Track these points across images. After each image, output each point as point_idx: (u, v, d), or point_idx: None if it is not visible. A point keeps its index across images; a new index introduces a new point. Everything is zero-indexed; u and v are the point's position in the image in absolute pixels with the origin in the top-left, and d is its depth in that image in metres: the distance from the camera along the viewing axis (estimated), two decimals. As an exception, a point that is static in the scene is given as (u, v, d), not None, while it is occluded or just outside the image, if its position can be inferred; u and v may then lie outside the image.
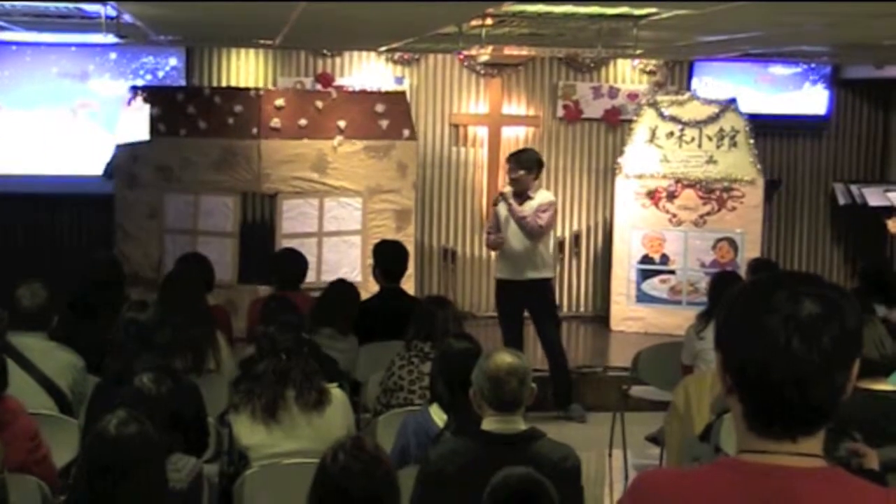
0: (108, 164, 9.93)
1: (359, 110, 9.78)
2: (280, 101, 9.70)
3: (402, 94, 10.35)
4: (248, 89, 10.18)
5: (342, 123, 9.70)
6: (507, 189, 8.46)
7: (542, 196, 8.44)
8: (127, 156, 9.61)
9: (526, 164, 8.39)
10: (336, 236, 9.71)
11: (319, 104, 9.76)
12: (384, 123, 9.80)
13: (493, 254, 11.18)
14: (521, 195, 8.37)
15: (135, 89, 9.85)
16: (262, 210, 10.02)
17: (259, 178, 9.54)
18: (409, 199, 9.88)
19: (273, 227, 9.66)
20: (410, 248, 9.52)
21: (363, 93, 10.38)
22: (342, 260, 9.25)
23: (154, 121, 9.52)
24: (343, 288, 6.86)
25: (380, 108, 9.81)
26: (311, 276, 9.39)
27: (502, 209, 8.45)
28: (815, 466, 1.84)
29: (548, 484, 3.42)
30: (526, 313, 8.63)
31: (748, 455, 1.86)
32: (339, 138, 9.69)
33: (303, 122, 9.66)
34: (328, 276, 9.10)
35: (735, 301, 1.90)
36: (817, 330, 1.80)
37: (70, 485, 3.49)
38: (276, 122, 9.59)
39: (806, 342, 1.79)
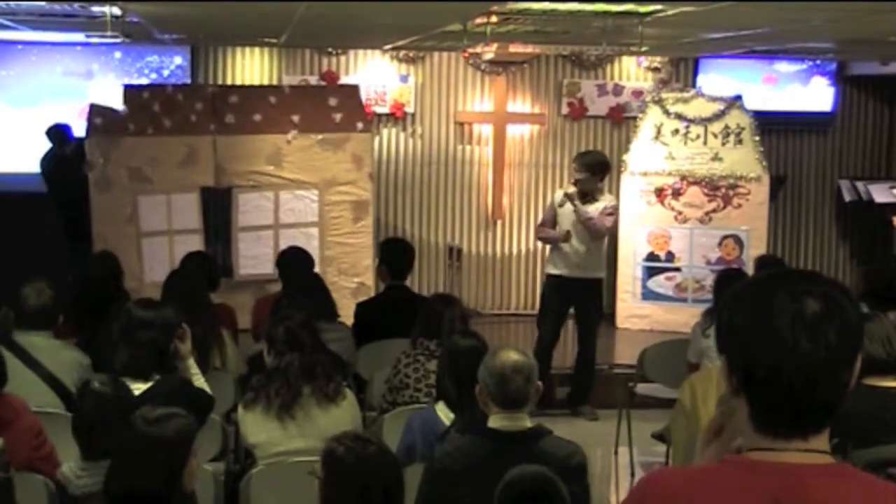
0: (45, 161, 9.93)
1: (312, 104, 9.86)
2: (234, 98, 9.75)
3: (355, 87, 10.35)
4: (205, 86, 10.21)
5: (296, 118, 9.76)
6: (572, 189, 8.48)
7: (606, 199, 8.49)
8: (97, 154, 9.46)
9: (590, 167, 8.42)
10: (293, 228, 9.76)
11: (273, 99, 9.82)
12: (337, 116, 9.85)
13: (498, 252, 11.29)
14: (585, 196, 8.40)
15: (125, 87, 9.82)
16: (220, 205, 10.05)
17: (216, 173, 9.57)
18: (365, 191, 9.92)
19: (229, 221, 9.73)
20: (369, 240, 9.77)
21: (315, 87, 10.53)
22: None
23: (122, 121, 9.48)
24: (316, 279, 6.89)
25: (333, 101, 9.88)
26: (267, 268, 9.51)
27: (567, 208, 8.45)
28: (824, 462, 1.85)
29: (560, 482, 3.41)
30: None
31: (756, 453, 1.86)
32: (293, 132, 9.75)
33: (257, 117, 9.72)
34: None
35: (736, 303, 1.90)
36: (822, 328, 1.81)
37: (105, 477, 3.49)
38: (230, 117, 9.64)
39: (812, 341, 1.80)
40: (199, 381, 4.87)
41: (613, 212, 8.56)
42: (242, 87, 10.49)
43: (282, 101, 9.80)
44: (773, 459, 1.84)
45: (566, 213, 8.47)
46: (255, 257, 9.61)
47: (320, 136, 9.80)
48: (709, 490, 1.87)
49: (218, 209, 9.85)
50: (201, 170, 9.59)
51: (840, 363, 1.82)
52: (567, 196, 8.43)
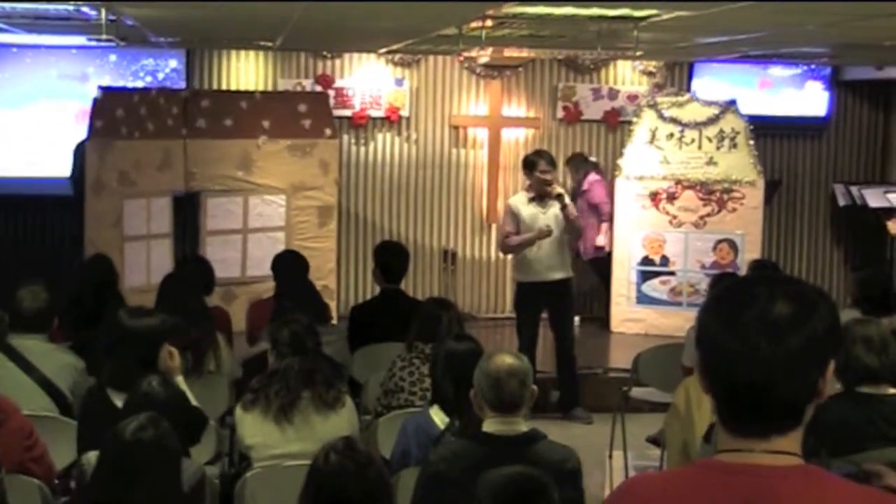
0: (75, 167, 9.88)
1: (282, 110, 9.95)
2: (206, 102, 9.80)
3: (325, 94, 10.54)
4: (180, 90, 10.23)
5: (266, 123, 9.85)
6: (560, 190, 8.41)
7: (564, 196, 8.49)
8: (95, 157, 9.36)
9: (554, 165, 8.50)
10: (261, 232, 9.84)
11: (244, 104, 9.88)
12: (306, 123, 9.96)
13: (493, 255, 11.29)
14: (544, 197, 8.33)
15: (101, 88, 9.77)
16: (189, 209, 10.05)
17: (186, 177, 9.59)
18: (331, 196, 10.04)
19: (197, 225, 9.78)
20: (333, 244, 9.93)
21: (286, 93, 10.62)
22: (266, 255, 9.20)
23: (117, 124, 9.47)
24: (310, 283, 6.89)
25: (302, 108, 9.98)
26: (235, 272, 9.52)
27: (525, 210, 8.36)
28: (793, 465, 1.85)
29: (551, 482, 3.39)
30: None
31: (726, 455, 1.88)
32: (263, 137, 9.84)
33: (228, 122, 9.79)
34: (253, 272, 9.27)
35: (711, 303, 1.92)
36: (784, 330, 1.81)
37: (88, 485, 3.48)
38: (201, 122, 9.69)
39: (772, 342, 1.80)
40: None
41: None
42: (215, 91, 10.54)
43: (253, 107, 9.89)
44: (742, 461, 1.85)
45: (538, 217, 8.32)
46: (223, 261, 9.58)
47: (289, 142, 9.90)
48: (683, 493, 1.88)
49: (187, 213, 9.88)
50: (175, 174, 9.63)
51: (802, 366, 1.82)
52: (558, 198, 8.28)
